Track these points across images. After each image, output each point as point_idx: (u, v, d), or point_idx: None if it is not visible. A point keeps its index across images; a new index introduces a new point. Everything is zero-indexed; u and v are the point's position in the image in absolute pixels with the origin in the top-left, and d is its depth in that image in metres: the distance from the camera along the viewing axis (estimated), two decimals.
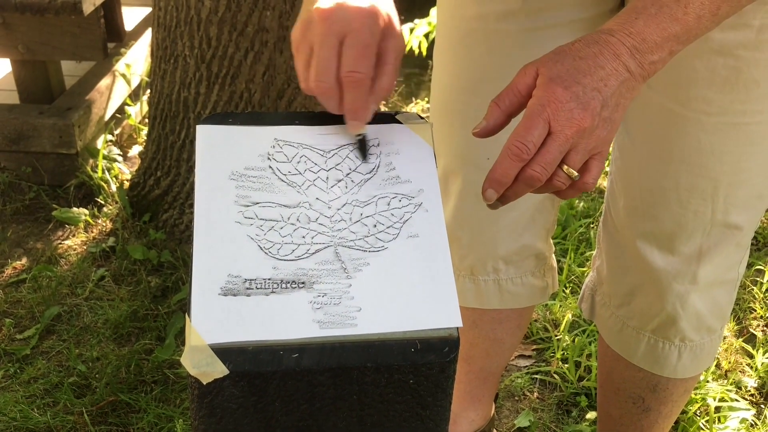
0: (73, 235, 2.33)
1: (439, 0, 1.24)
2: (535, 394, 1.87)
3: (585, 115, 0.79)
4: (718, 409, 1.79)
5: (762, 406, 1.85)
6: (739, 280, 1.25)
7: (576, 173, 0.83)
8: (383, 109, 2.76)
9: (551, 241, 1.43)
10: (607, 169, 1.46)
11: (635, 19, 0.82)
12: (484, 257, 1.34)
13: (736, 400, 1.83)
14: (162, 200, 2.31)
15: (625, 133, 1.19)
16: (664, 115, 1.10)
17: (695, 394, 1.81)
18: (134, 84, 2.85)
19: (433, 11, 3.01)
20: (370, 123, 0.91)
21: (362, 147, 0.86)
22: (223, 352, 0.71)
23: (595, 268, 1.39)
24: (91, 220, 2.37)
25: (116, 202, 2.42)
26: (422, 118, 0.92)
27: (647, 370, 1.32)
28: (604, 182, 2.61)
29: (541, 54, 1.15)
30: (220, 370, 0.70)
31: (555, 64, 0.81)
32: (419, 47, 3.05)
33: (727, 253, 1.19)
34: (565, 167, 0.82)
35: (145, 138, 2.49)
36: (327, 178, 0.85)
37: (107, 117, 2.71)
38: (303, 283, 0.76)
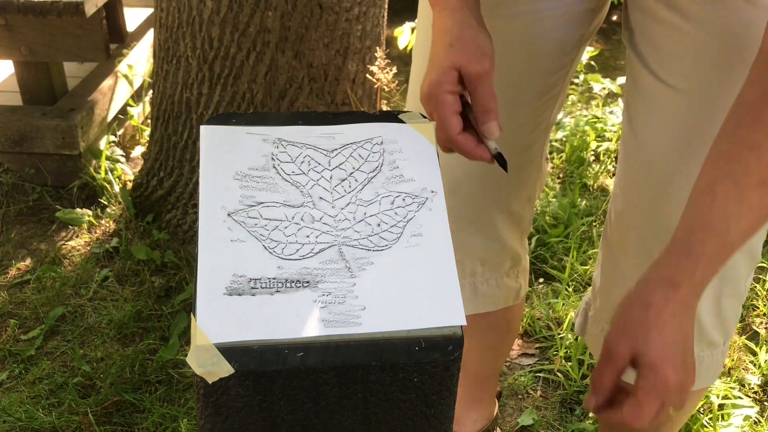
0: (77, 236, 2.34)
1: None
2: (539, 393, 1.88)
3: (689, 380, 0.83)
4: (721, 407, 1.79)
5: (765, 403, 1.85)
6: (745, 295, 1.21)
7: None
8: (386, 108, 2.77)
9: (526, 243, 1.42)
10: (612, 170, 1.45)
11: (694, 270, 0.83)
12: (461, 259, 1.33)
13: (740, 398, 1.83)
14: (165, 201, 2.32)
15: (632, 135, 1.17)
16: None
17: None
18: (136, 85, 2.85)
19: None
20: (372, 122, 0.91)
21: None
22: (228, 351, 0.71)
23: (593, 283, 1.37)
24: (94, 221, 2.37)
25: (119, 203, 2.42)
26: (425, 117, 0.93)
27: None
28: (607, 182, 2.61)
29: (522, 48, 1.14)
30: (225, 369, 0.71)
31: (649, 342, 0.82)
32: None
33: (735, 266, 1.14)
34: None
35: (148, 139, 2.49)
36: (330, 177, 0.85)
37: (110, 118, 2.71)
38: (307, 282, 0.77)
